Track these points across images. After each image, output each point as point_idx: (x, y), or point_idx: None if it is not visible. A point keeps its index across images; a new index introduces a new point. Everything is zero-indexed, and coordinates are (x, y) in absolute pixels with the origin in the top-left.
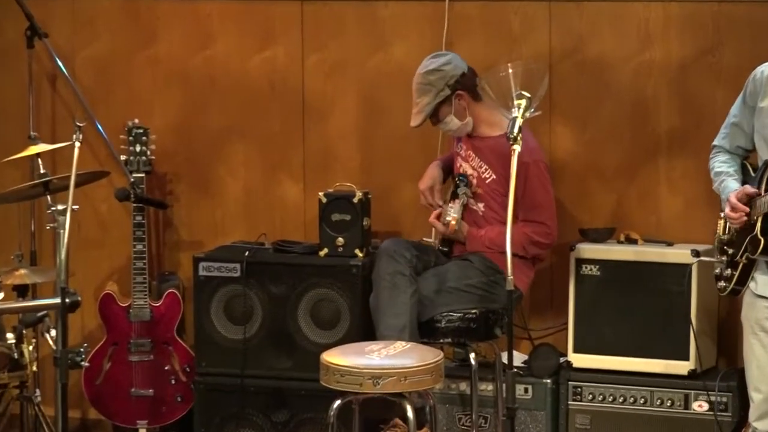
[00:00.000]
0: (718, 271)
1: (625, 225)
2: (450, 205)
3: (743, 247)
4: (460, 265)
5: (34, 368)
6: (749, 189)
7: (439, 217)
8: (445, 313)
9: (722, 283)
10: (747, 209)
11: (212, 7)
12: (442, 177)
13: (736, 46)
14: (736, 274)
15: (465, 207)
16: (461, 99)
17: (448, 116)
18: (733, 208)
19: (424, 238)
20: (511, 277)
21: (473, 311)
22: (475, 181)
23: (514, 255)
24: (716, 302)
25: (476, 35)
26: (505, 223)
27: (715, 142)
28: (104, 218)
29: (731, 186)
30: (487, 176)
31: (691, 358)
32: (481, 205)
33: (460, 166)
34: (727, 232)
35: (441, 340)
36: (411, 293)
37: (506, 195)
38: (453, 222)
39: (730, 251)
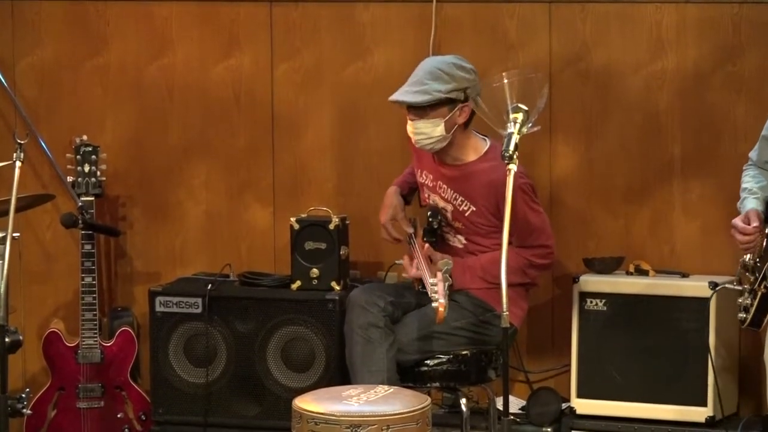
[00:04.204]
0: (741, 300)
1: (634, 254)
2: (432, 280)
3: (762, 274)
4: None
5: None
6: (752, 215)
7: (414, 264)
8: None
9: (742, 314)
10: (752, 230)
11: (170, 9)
12: (403, 204)
13: (760, 53)
14: (755, 304)
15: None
16: (462, 114)
17: (438, 119)
18: (741, 232)
19: (397, 261)
20: (506, 312)
21: (464, 352)
22: (450, 215)
23: (510, 285)
24: (737, 339)
25: (467, 41)
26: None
27: (750, 154)
28: (49, 247)
29: (748, 205)
30: (465, 209)
31: (710, 403)
32: (461, 238)
33: (429, 197)
34: (752, 256)
35: (428, 385)
36: (387, 346)
37: (490, 226)
38: (442, 309)
39: (752, 278)
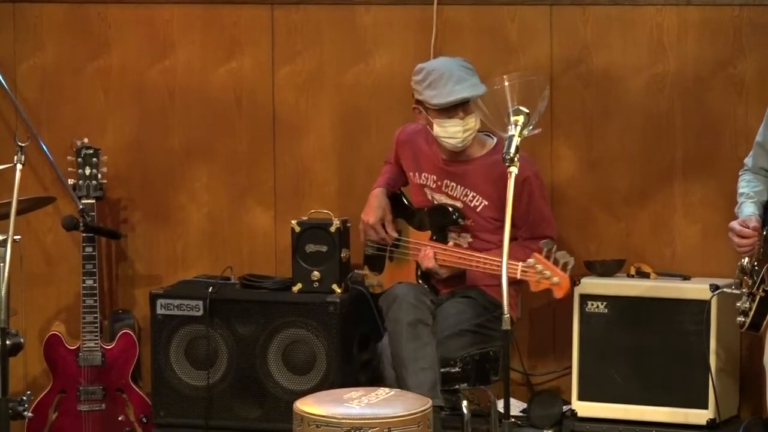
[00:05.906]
0: (739, 303)
1: (635, 257)
2: (530, 261)
3: (760, 278)
4: (465, 303)
5: None
6: (752, 220)
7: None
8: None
9: (741, 318)
10: (750, 234)
11: (171, 12)
12: (389, 205)
13: (761, 56)
14: (754, 307)
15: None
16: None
17: (475, 112)
18: (739, 235)
19: (356, 271)
20: (508, 315)
21: (472, 353)
22: None
23: (512, 283)
24: (738, 342)
25: (468, 44)
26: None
27: (745, 160)
28: (50, 250)
29: (746, 211)
30: (477, 204)
31: (710, 406)
32: (466, 236)
33: (432, 198)
34: (750, 260)
35: (457, 386)
36: (434, 344)
37: (501, 220)
38: (565, 283)
39: (750, 281)
